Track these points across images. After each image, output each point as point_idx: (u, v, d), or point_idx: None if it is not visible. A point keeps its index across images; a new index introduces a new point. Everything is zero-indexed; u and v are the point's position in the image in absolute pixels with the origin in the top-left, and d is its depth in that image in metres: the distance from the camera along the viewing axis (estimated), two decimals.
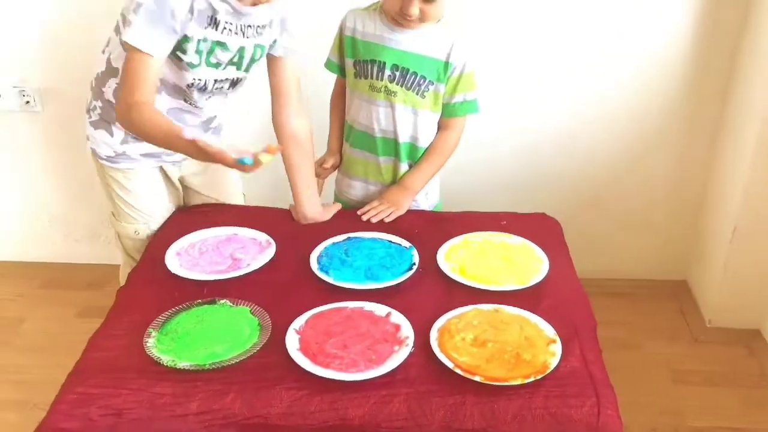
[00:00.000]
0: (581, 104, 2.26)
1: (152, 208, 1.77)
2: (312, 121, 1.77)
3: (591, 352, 1.33)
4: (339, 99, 1.85)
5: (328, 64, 1.80)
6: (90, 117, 1.69)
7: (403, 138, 1.75)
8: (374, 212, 1.76)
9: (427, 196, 1.87)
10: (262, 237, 1.67)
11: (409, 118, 1.73)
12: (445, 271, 1.53)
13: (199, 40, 1.51)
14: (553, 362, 1.28)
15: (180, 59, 1.53)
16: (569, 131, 2.30)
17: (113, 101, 1.60)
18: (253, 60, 1.63)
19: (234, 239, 1.66)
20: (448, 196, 1.98)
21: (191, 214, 1.83)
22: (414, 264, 1.55)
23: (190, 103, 1.65)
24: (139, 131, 1.49)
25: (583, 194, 2.39)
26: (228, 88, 1.67)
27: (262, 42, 1.62)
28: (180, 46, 1.50)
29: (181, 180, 1.84)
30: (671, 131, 2.28)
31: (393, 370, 1.27)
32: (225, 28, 1.52)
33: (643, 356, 2.19)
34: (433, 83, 1.69)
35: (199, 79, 1.58)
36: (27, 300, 2.46)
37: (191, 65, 1.55)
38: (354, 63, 1.73)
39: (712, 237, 2.30)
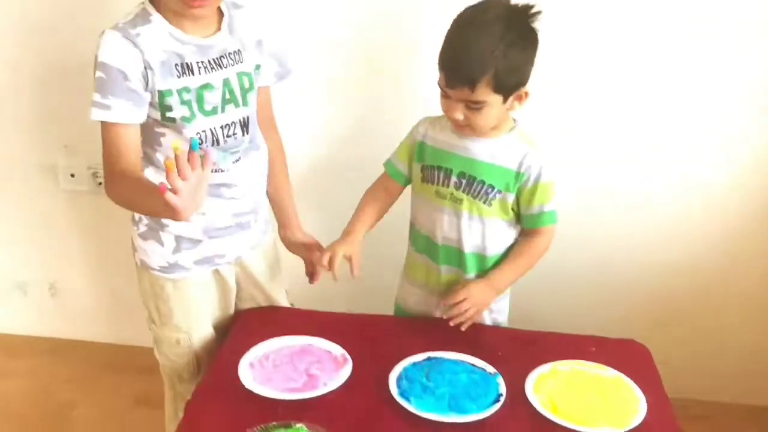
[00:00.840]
0: (658, 214, 2.15)
1: (198, 318, 1.69)
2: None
3: None
4: (382, 194, 1.75)
5: (388, 166, 1.74)
6: (138, 229, 1.62)
7: (469, 248, 1.67)
8: (459, 315, 1.63)
9: (491, 313, 1.76)
10: (337, 350, 1.59)
11: (476, 227, 1.65)
12: (535, 406, 1.43)
13: (179, 91, 1.45)
14: None
15: (173, 120, 1.46)
16: (645, 243, 2.19)
17: None
18: (244, 90, 1.55)
19: (308, 351, 1.59)
20: (515, 305, 1.85)
21: (259, 318, 1.76)
22: (501, 395, 1.46)
23: (215, 170, 1.53)
24: (124, 201, 1.45)
25: (658, 309, 2.26)
26: (243, 134, 1.57)
27: (244, 69, 1.54)
28: (163, 104, 1.45)
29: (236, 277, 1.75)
30: (761, 242, 2.15)
31: None
32: (200, 68, 1.47)
33: None
34: (501, 192, 1.63)
35: (203, 131, 1.50)
36: (81, 383, 2.40)
37: (186, 119, 1.47)
38: (422, 168, 1.69)
39: None
